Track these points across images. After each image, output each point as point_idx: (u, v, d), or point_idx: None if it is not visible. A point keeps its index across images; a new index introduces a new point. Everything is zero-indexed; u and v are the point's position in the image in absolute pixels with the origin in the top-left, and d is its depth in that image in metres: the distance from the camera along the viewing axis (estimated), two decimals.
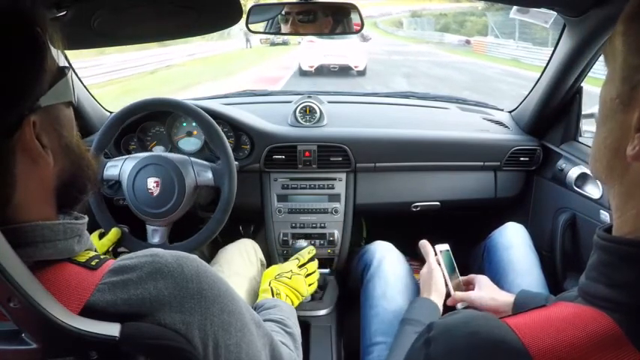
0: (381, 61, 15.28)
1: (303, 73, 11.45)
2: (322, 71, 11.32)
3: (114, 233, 1.17)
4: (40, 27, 0.44)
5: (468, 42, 21.68)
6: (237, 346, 0.52)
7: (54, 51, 0.47)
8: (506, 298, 0.99)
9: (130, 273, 0.47)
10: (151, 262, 0.48)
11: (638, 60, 0.38)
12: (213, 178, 1.19)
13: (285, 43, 23.52)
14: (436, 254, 1.10)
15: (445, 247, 1.11)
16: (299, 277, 1.03)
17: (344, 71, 11.23)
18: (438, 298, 1.01)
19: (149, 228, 1.20)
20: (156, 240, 1.19)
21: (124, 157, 1.21)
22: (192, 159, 1.20)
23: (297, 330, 0.85)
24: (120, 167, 1.19)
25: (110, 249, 1.17)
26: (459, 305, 1.04)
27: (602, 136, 0.43)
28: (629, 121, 0.38)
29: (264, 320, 0.82)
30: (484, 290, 1.03)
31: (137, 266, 0.47)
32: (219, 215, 1.17)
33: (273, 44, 23.89)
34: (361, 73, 11.27)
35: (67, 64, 0.49)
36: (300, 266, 1.09)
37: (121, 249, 1.22)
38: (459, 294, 1.04)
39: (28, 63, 0.43)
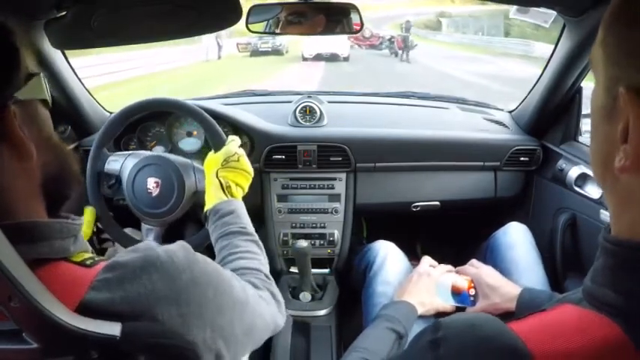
0: None
1: (305, 59, 15.46)
2: (318, 57, 15.18)
3: (88, 213, 1.16)
4: (14, 34, 0.48)
5: None
6: (230, 324, 0.55)
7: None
8: (511, 293, 1.01)
9: (124, 269, 0.47)
10: (143, 257, 0.49)
11: (618, 71, 0.37)
12: None
13: (277, 52, 16.48)
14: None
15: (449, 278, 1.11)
16: (243, 156, 1.02)
17: (333, 57, 15.47)
18: (417, 304, 1.02)
19: (144, 227, 1.19)
20: (149, 239, 1.19)
21: (127, 152, 1.21)
22: (195, 164, 1.19)
23: (254, 232, 0.88)
24: (122, 163, 1.18)
25: (94, 232, 1.17)
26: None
27: (593, 147, 0.42)
28: (614, 132, 0.37)
29: (230, 247, 0.83)
30: (492, 297, 1.04)
31: (130, 262, 0.48)
32: None
33: (255, 53, 16.26)
34: (346, 59, 15.58)
35: (37, 71, 0.51)
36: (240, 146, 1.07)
37: (105, 235, 1.22)
38: (471, 310, 1.06)
39: (3, 62, 0.46)
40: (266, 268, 0.81)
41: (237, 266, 0.78)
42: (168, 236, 1.22)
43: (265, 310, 0.69)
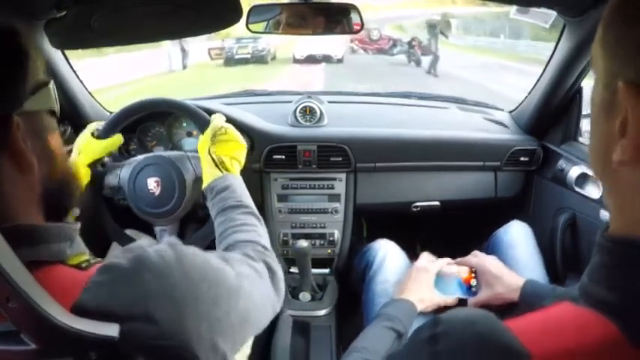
0: None
1: (296, 61, 13.75)
2: (310, 59, 13.43)
3: (118, 137, 1.16)
4: (23, 38, 0.46)
5: None
6: (226, 314, 0.54)
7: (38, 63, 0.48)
8: (514, 283, 1.01)
9: (117, 270, 0.47)
10: (134, 257, 0.49)
11: (616, 66, 0.38)
12: None
13: (259, 59, 13.09)
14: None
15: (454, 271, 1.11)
16: (231, 128, 1.03)
17: (326, 59, 13.70)
18: (417, 301, 1.02)
19: (157, 230, 1.19)
20: (164, 240, 1.18)
21: (121, 163, 1.21)
22: (189, 154, 1.19)
23: (252, 204, 0.88)
24: (119, 175, 1.18)
25: (109, 156, 1.17)
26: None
27: (592, 142, 0.43)
28: (613, 127, 0.38)
29: (227, 221, 0.84)
30: (495, 287, 1.04)
31: (123, 263, 0.48)
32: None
33: (229, 61, 12.71)
34: (340, 61, 13.81)
35: (48, 77, 0.50)
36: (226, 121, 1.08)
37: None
38: (474, 300, 1.06)
39: (10, 68, 0.45)
40: (264, 239, 0.80)
41: (233, 240, 0.77)
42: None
43: (259, 289, 0.66)
